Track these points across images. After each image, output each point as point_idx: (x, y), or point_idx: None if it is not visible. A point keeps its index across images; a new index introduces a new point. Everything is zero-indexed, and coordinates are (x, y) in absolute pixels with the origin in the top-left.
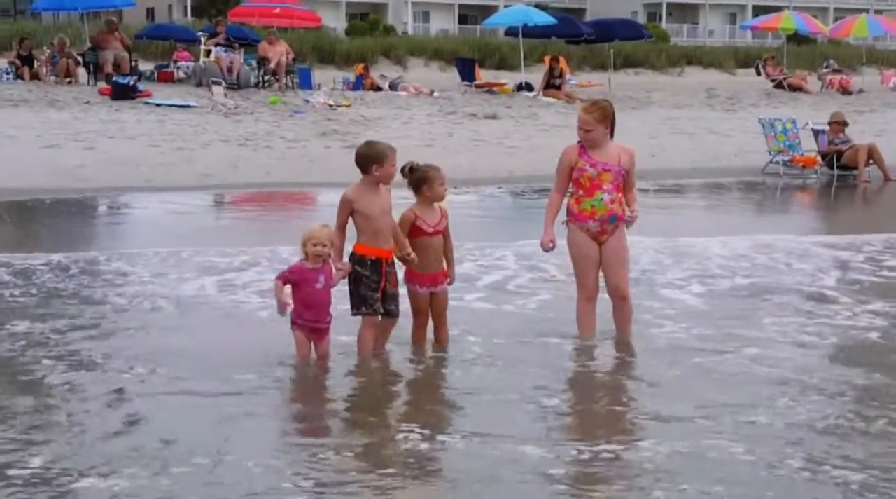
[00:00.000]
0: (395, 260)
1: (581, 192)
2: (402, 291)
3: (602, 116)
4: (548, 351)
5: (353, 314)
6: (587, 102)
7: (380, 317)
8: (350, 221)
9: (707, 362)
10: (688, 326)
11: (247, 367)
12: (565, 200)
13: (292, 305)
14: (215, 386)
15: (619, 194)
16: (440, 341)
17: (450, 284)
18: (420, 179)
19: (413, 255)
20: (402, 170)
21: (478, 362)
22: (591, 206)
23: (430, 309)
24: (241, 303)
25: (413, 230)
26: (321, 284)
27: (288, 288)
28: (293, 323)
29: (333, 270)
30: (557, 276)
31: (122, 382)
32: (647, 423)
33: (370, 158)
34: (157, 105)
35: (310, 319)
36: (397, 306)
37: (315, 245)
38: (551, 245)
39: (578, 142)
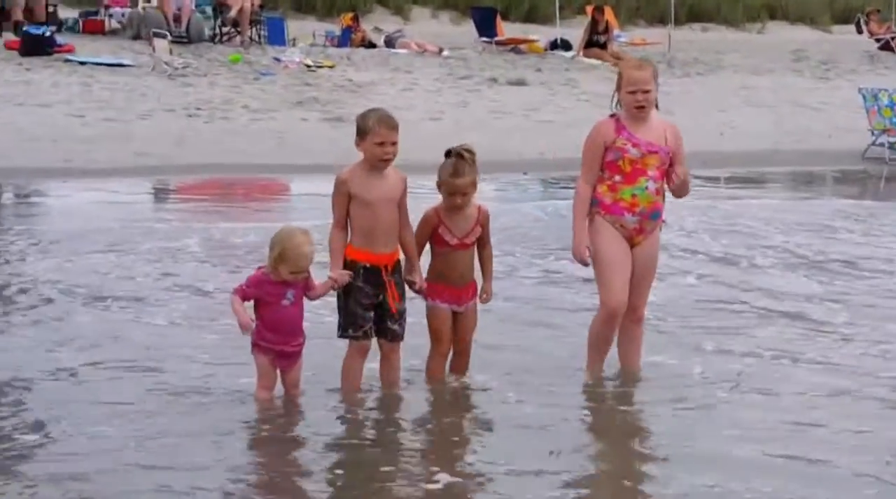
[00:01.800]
0: (396, 266)
1: (618, 177)
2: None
3: (655, 74)
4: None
5: (339, 336)
6: (629, 61)
7: (374, 341)
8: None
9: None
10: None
11: (188, 404)
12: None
13: (253, 324)
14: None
15: (663, 184)
16: (456, 369)
17: (484, 300)
18: (438, 174)
19: (422, 286)
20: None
21: (489, 412)
22: (633, 195)
23: (454, 333)
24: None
25: (435, 237)
26: (289, 300)
27: (248, 303)
28: (254, 346)
29: (313, 280)
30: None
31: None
32: None
33: (356, 131)
34: (82, 63)
35: (275, 341)
36: (402, 327)
37: (294, 273)
38: (588, 255)
39: (612, 116)
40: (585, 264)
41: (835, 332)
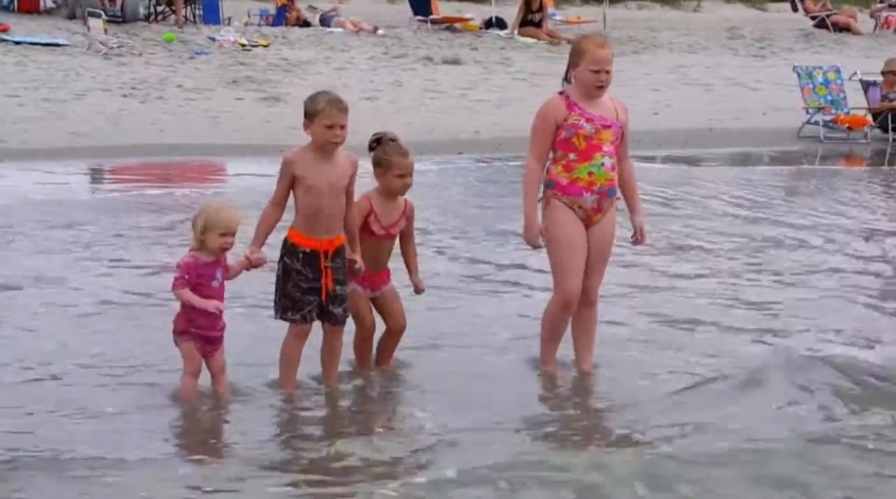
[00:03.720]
0: (337, 251)
1: (573, 156)
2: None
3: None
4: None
5: (276, 318)
6: (591, 37)
7: (315, 324)
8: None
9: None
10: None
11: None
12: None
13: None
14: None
15: (616, 160)
16: (383, 350)
17: (417, 292)
18: (375, 161)
19: (360, 264)
20: (370, 141)
21: (416, 400)
22: (590, 173)
23: (385, 317)
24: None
25: (363, 226)
26: (218, 280)
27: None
28: (181, 333)
29: (230, 261)
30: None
31: None
32: None
33: (304, 113)
34: (17, 43)
35: (204, 326)
36: (344, 310)
37: (224, 235)
38: (537, 240)
39: (561, 92)
40: (537, 248)
41: None
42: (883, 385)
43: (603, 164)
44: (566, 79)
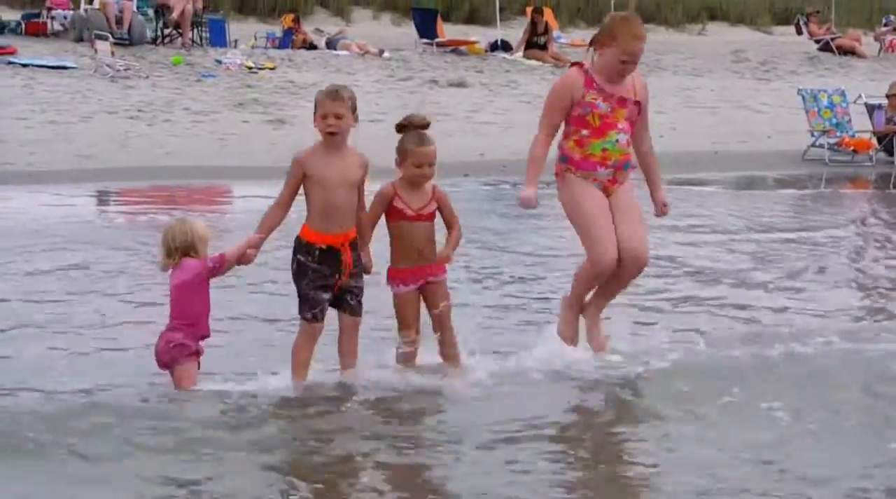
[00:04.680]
0: (352, 244)
1: (586, 132)
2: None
3: None
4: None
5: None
6: (628, 23)
7: (323, 322)
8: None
9: None
10: None
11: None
12: (554, 144)
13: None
14: None
15: (631, 135)
16: (447, 356)
17: (441, 261)
18: (396, 149)
19: (369, 265)
20: (396, 125)
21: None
22: (603, 149)
23: (428, 307)
24: None
25: (390, 211)
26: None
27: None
28: (192, 354)
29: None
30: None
31: None
32: None
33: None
34: (24, 65)
35: (203, 335)
36: (359, 301)
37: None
38: (534, 201)
39: (581, 65)
40: (531, 208)
41: None
42: None
43: (617, 141)
44: (591, 43)
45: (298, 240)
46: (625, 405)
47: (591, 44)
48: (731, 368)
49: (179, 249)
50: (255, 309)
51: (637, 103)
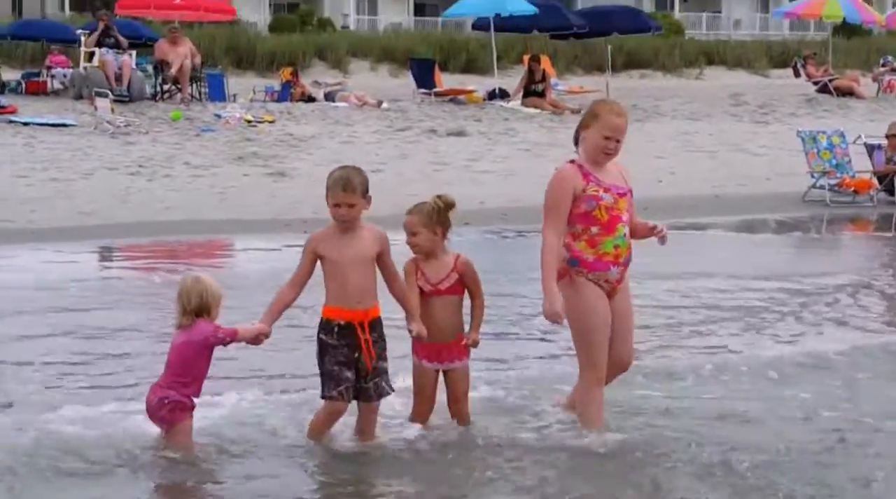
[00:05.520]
0: (373, 323)
1: (595, 229)
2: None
3: None
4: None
5: (322, 397)
6: (608, 104)
7: (347, 403)
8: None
9: None
10: None
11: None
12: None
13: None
14: None
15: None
16: (459, 419)
17: (468, 345)
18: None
19: (417, 329)
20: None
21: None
22: (615, 246)
23: (447, 392)
24: None
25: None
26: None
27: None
28: (188, 409)
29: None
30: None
31: None
32: None
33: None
34: (25, 124)
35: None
36: (379, 385)
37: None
38: (560, 316)
39: (572, 161)
40: (558, 323)
41: None
42: None
43: (625, 235)
44: (576, 141)
45: (321, 320)
46: None
47: (575, 139)
48: None
49: (194, 309)
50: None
51: (631, 191)
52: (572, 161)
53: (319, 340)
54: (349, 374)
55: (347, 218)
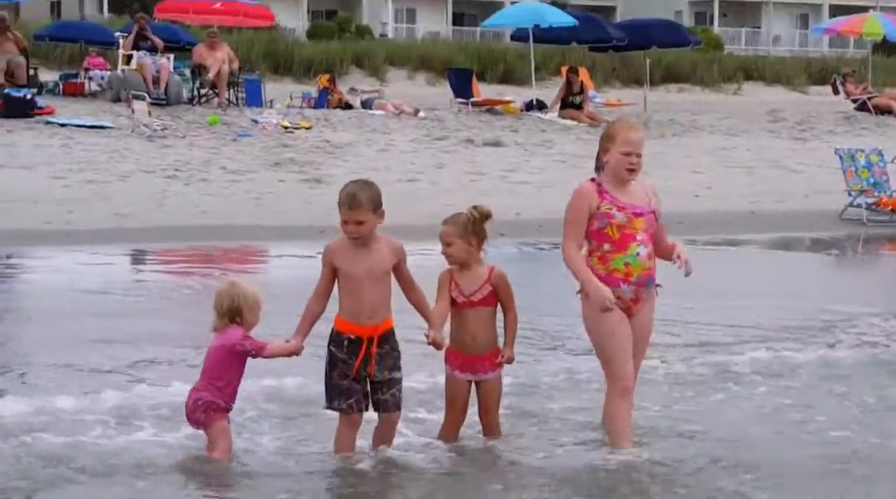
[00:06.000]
0: (384, 336)
1: (608, 246)
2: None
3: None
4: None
5: (325, 407)
6: (622, 121)
7: (361, 413)
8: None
9: None
10: None
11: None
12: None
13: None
14: None
15: (652, 247)
16: (488, 430)
17: (502, 363)
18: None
19: (433, 335)
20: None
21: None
22: (626, 264)
23: (478, 403)
24: None
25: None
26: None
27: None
28: (223, 411)
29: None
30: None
31: None
32: None
33: None
34: (63, 125)
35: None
36: (395, 396)
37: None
38: (611, 298)
39: (592, 180)
40: (609, 309)
41: None
42: None
43: (638, 254)
44: (597, 167)
45: (332, 330)
46: None
47: (596, 166)
48: None
49: (226, 313)
50: None
51: (653, 212)
52: (593, 179)
53: (329, 353)
54: (358, 385)
55: (357, 235)
